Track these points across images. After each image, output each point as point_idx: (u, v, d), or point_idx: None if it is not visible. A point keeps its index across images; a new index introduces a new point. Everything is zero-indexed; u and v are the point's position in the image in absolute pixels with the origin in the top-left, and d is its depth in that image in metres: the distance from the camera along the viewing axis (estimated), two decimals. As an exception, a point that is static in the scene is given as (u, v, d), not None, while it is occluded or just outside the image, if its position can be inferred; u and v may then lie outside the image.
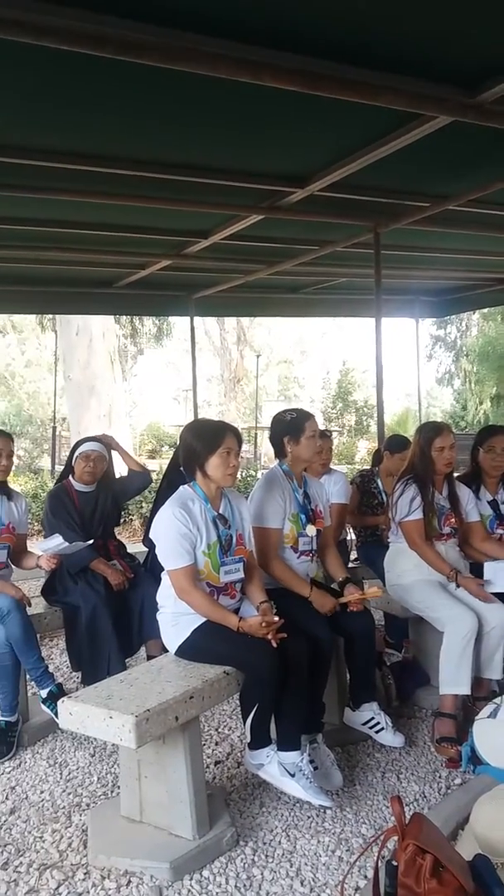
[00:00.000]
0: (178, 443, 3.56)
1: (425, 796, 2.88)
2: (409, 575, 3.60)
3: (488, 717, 2.94)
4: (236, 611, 2.87)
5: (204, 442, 2.85)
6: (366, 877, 2.33)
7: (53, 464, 14.51)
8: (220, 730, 3.49)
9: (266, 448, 18.51)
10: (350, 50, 2.66)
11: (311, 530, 3.21)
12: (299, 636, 2.75)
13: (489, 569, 3.56)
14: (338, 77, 2.74)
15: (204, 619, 2.77)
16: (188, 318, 8.23)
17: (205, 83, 2.70)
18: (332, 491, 4.43)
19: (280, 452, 3.25)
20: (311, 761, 2.78)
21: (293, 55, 2.61)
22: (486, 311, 19.87)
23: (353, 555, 4.93)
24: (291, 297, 8.02)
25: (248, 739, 2.76)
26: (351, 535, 4.95)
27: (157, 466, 10.49)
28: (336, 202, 4.52)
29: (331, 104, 2.90)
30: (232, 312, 12.71)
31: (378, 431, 5.68)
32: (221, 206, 4.52)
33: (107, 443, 4.05)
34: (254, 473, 10.95)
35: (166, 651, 2.94)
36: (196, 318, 8.21)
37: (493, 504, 3.93)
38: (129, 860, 2.44)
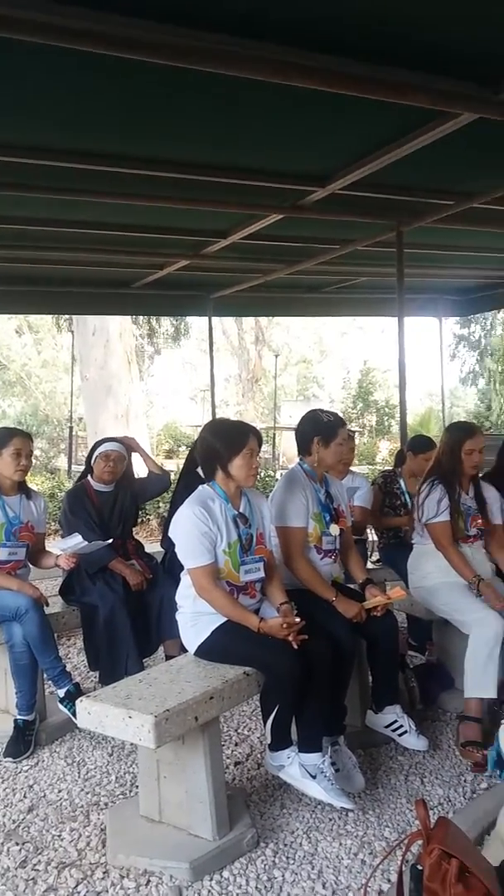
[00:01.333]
0: (195, 442, 3.54)
1: (450, 800, 2.83)
2: (433, 577, 3.55)
3: (514, 721, 2.90)
4: (256, 611, 2.84)
5: (227, 442, 2.83)
6: (389, 880, 2.30)
7: (70, 464, 14.58)
8: (239, 731, 3.47)
9: (285, 448, 18.47)
10: (372, 48, 2.63)
11: (334, 529, 3.17)
12: (321, 637, 2.72)
13: None
14: (361, 75, 2.72)
15: (224, 620, 2.74)
16: (206, 318, 8.23)
17: (225, 82, 2.68)
18: (356, 495, 4.40)
19: (305, 450, 3.22)
20: (333, 763, 2.74)
21: (318, 55, 2.59)
22: (509, 310, 19.68)
23: (375, 556, 4.89)
24: (311, 297, 7.99)
25: (269, 741, 2.74)
26: (372, 537, 4.90)
27: (175, 466, 10.51)
28: (357, 201, 4.49)
29: (352, 102, 2.87)
30: (251, 312, 12.70)
31: (401, 432, 5.63)
32: (241, 205, 4.50)
33: (128, 444, 4.05)
34: (272, 473, 10.92)
35: (185, 651, 2.92)
36: (214, 318, 8.21)
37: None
38: (148, 860, 2.42)
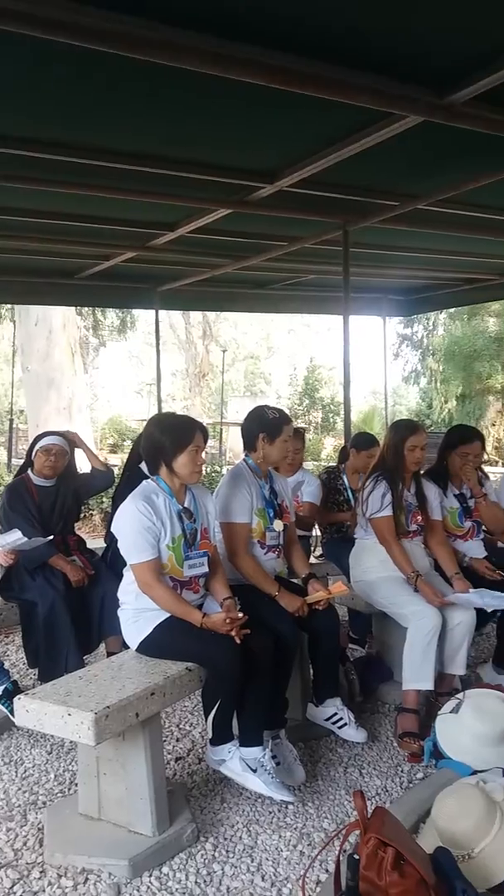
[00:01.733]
0: (139, 437, 3.50)
1: (387, 791, 2.89)
2: (374, 571, 3.61)
3: (451, 712, 2.98)
4: (200, 606, 2.84)
5: (172, 438, 2.80)
6: (327, 871, 2.33)
7: (10, 457, 14.26)
8: (181, 726, 3.46)
9: (231, 444, 18.48)
10: (322, 47, 2.64)
11: (278, 525, 3.19)
12: (263, 632, 2.73)
13: (475, 596, 3.50)
14: (310, 74, 2.74)
15: (166, 615, 2.73)
16: (153, 312, 8.16)
17: (175, 74, 2.65)
18: (306, 491, 4.44)
19: (250, 447, 3.22)
20: (274, 757, 2.77)
21: (264, 50, 2.59)
22: (452, 310, 20.12)
23: (319, 551, 4.94)
24: (259, 293, 8.01)
25: (210, 735, 2.74)
26: (315, 532, 4.96)
27: (119, 461, 10.40)
28: (305, 199, 4.51)
29: (301, 100, 2.89)
30: (198, 306, 12.69)
31: (345, 429, 5.70)
32: (189, 198, 4.47)
33: (70, 439, 3.98)
34: (219, 469, 10.91)
35: (127, 648, 2.90)
36: (161, 312, 8.14)
37: (461, 497, 3.96)
38: (86, 858, 2.39)
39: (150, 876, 2.34)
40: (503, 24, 2.50)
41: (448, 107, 3.06)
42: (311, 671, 3.27)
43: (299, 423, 22.81)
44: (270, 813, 2.70)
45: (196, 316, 23.66)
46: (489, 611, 3.51)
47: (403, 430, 3.65)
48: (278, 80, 2.73)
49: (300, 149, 3.71)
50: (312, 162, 3.77)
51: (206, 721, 2.73)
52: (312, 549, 4.93)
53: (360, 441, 4.73)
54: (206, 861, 2.42)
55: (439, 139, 3.50)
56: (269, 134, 3.53)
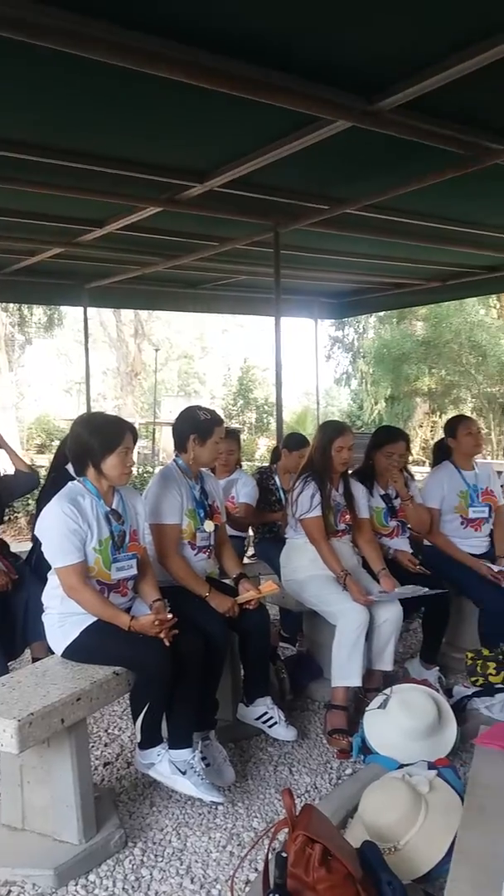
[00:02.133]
0: (66, 437, 3.43)
1: (317, 787, 2.92)
2: (304, 570, 3.64)
3: (378, 707, 3.03)
4: (128, 609, 2.79)
5: (101, 439, 2.74)
6: (256, 870, 2.33)
7: None
8: (109, 731, 3.40)
9: (165, 444, 18.35)
10: (253, 50, 2.66)
11: (208, 526, 3.18)
12: (193, 633, 2.72)
13: (398, 592, 3.59)
14: (239, 75, 2.75)
15: (93, 619, 2.68)
16: (81, 309, 8.02)
17: (106, 71, 2.62)
18: (241, 492, 4.44)
19: (181, 447, 3.20)
20: (204, 758, 2.75)
21: (197, 50, 2.59)
22: (381, 314, 20.55)
23: (251, 551, 4.96)
24: (190, 293, 7.98)
25: (139, 739, 2.71)
26: (249, 532, 4.97)
27: (47, 461, 10.16)
28: (236, 199, 4.52)
29: (232, 101, 2.90)
30: (128, 304, 12.50)
31: (277, 429, 5.74)
32: (118, 195, 4.41)
33: None
34: (151, 470, 10.82)
35: (52, 653, 2.83)
36: (90, 309, 8.01)
37: (386, 497, 4.04)
38: (9, 869, 2.32)
39: (76, 885, 2.29)
40: (431, 35, 2.57)
41: (376, 113, 3.12)
42: (242, 671, 3.27)
43: (233, 424, 22.88)
44: (200, 815, 2.69)
45: (128, 314, 23.36)
46: (419, 595, 3.57)
47: (331, 431, 3.70)
48: (209, 80, 2.73)
49: (230, 149, 3.72)
50: (243, 163, 3.78)
51: (135, 725, 2.68)
52: (246, 548, 4.94)
53: (291, 441, 4.77)
54: (135, 866, 2.39)
55: (368, 145, 3.56)
56: (200, 133, 3.52)
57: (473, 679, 3.46)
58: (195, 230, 5.41)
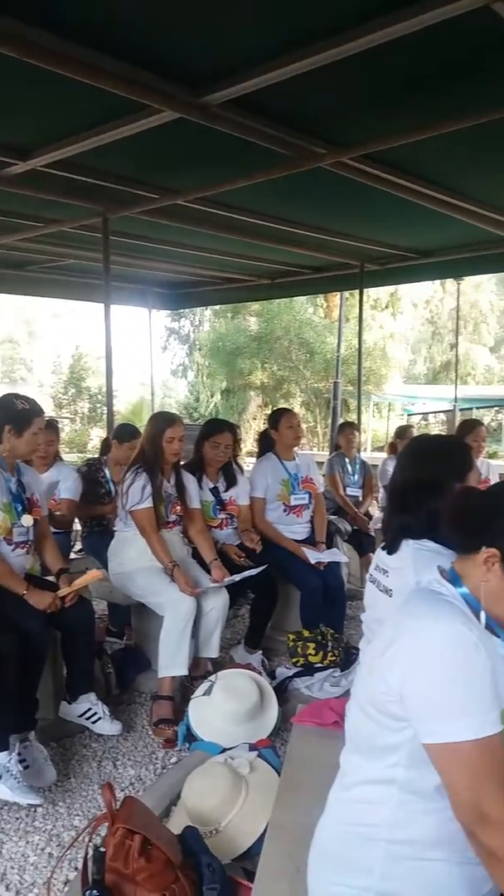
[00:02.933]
0: None
1: (141, 779, 2.91)
2: (132, 562, 3.61)
3: (203, 694, 3.08)
4: None
5: None
6: (76, 869, 2.29)
7: None
8: None
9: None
10: (82, 31, 2.59)
11: (26, 520, 3.05)
12: (8, 632, 2.60)
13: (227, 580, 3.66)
14: (66, 54, 2.67)
15: None
16: None
17: None
18: (62, 487, 4.30)
19: (-6, 437, 3.03)
20: (22, 760, 2.65)
21: (21, 24, 2.49)
22: (217, 308, 20.83)
23: (79, 545, 4.83)
24: (14, 274, 7.58)
25: (-48, 746, 2.56)
26: (76, 527, 4.84)
27: None
28: (62, 181, 4.36)
29: (58, 80, 2.81)
30: None
31: (108, 420, 5.63)
32: None
33: None
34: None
35: None
36: None
37: (214, 491, 4.12)
38: None
39: None
40: (261, 35, 2.63)
41: (204, 107, 3.14)
42: (65, 668, 3.18)
43: (64, 414, 22.12)
44: (18, 819, 2.59)
45: None
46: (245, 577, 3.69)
47: (161, 422, 3.70)
48: (34, 55, 2.63)
49: (55, 130, 3.58)
50: (68, 144, 3.65)
51: None
52: (73, 544, 4.80)
53: (121, 433, 4.70)
54: None
55: (198, 138, 3.57)
56: (22, 109, 3.36)
57: (294, 660, 3.64)
58: (19, 209, 5.14)
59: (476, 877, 1.31)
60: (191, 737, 3.04)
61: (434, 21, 2.39)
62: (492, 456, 15.59)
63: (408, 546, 1.96)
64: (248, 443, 16.71)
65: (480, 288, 25.40)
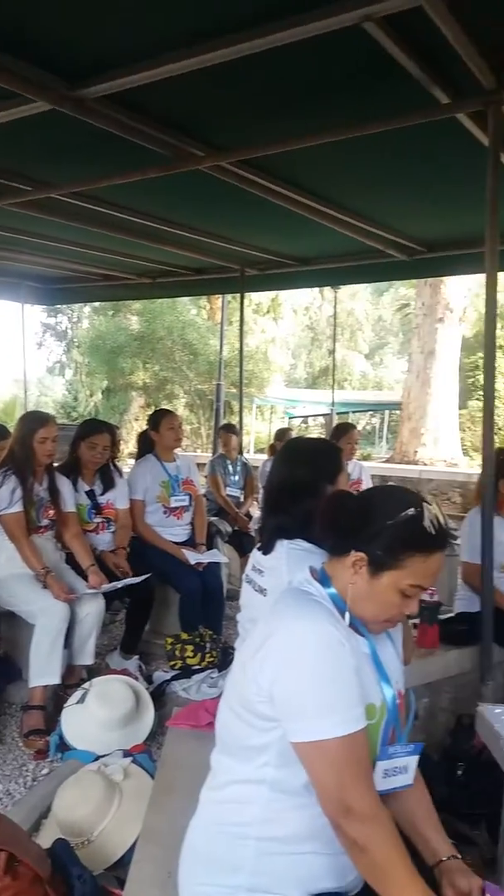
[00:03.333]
0: None
1: (10, 794, 2.79)
2: (1, 569, 3.46)
3: (77, 702, 3.00)
4: None
5: None
6: None
7: None
8: None
9: None
10: None
11: None
12: None
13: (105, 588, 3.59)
14: None
15: None
16: None
17: None
18: None
19: None
20: None
21: None
22: (97, 304, 20.37)
23: None
24: None
25: None
26: None
27: None
28: None
29: None
30: None
31: (-25, 420, 5.35)
32: None
33: None
34: None
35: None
36: None
37: (90, 494, 4.02)
38: None
39: None
40: (142, 32, 2.59)
41: (79, 100, 3.06)
42: None
43: None
44: None
45: None
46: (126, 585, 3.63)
47: (32, 422, 3.58)
48: None
49: None
50: None
51: None
52: None
53: (-11, 433, 4.50)
54: None
55: (69, 129, 3.47)
56: None
57: (172, 663, 3.62)
58: None
59: (342, 865, 1.36)
60: (64, 746, 2.96)
61: (311, 34, 2.46)
62: (366, 458, 16.26)
63: (282, 546, 2.01)
64: (131, 444, 16.47)
65: (356, 297, 26.45)
